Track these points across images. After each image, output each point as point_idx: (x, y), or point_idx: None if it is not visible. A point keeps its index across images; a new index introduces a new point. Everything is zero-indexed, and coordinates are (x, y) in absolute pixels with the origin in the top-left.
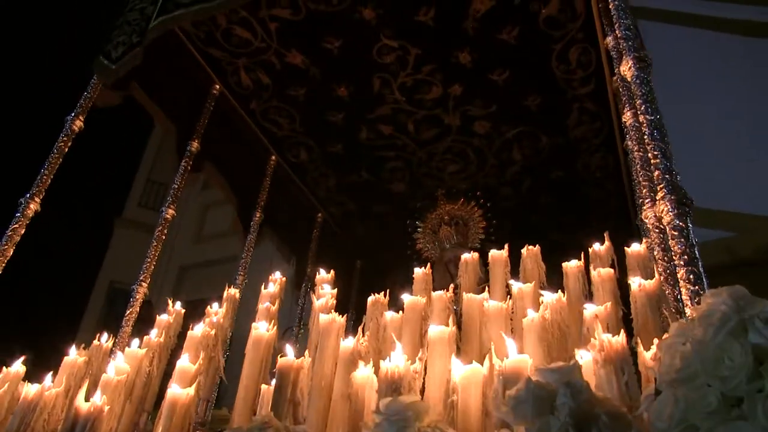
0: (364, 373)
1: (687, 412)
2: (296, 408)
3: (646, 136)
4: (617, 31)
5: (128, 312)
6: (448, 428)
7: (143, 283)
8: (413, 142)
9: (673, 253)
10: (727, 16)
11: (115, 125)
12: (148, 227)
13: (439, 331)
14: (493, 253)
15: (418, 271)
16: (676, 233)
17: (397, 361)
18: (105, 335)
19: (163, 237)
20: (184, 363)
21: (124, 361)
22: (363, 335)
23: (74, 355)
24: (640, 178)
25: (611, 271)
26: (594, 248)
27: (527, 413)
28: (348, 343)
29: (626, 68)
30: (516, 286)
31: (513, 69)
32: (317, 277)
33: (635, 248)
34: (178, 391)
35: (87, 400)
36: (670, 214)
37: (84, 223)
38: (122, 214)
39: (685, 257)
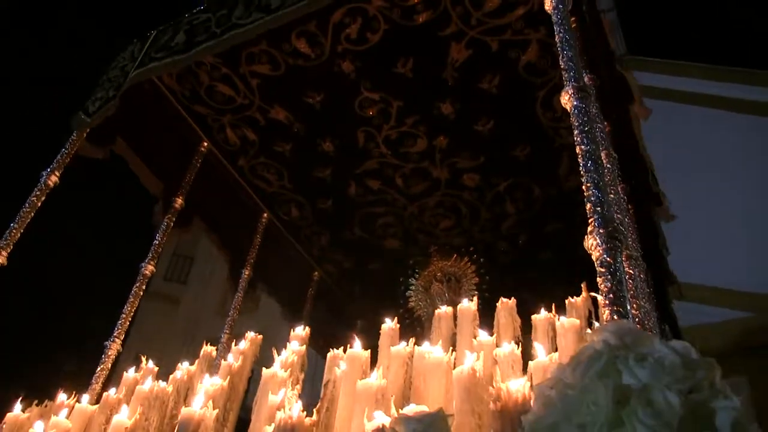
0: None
1: None
2: None
3: (580, 167)
4: (560, 63)
5: (99, 369)
6: None
7: (117, 340)
8: (403, 197)
9: (599, 292)
10: (738, 96)
11: (139, 201)
12: (173, 300)
13: (364, 384)
14: (461, 306)
15: (385, 326)
16: (603, 270)
17: (292, 410)
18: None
19: (140, 293)
20: (120, 416)
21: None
22: (293, 389)
23: (17, 411)
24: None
25: (576, 321)
26: (570, 300)
27: None
28: (277, 397)
29: (566, 99)
30: (482, 338)
31: (497, 118)
32: (292, 333)
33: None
34: None
35: None
36: (599, 249)
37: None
38: (148, 288)
39: (611, 296)
